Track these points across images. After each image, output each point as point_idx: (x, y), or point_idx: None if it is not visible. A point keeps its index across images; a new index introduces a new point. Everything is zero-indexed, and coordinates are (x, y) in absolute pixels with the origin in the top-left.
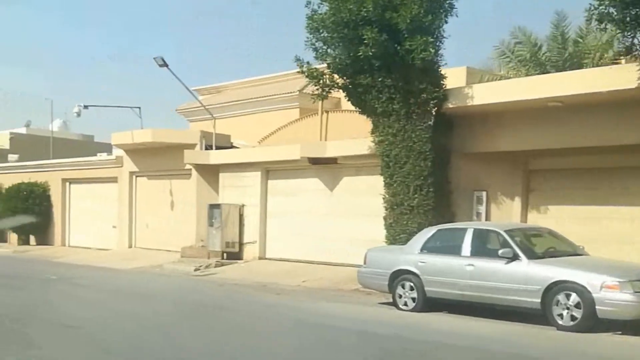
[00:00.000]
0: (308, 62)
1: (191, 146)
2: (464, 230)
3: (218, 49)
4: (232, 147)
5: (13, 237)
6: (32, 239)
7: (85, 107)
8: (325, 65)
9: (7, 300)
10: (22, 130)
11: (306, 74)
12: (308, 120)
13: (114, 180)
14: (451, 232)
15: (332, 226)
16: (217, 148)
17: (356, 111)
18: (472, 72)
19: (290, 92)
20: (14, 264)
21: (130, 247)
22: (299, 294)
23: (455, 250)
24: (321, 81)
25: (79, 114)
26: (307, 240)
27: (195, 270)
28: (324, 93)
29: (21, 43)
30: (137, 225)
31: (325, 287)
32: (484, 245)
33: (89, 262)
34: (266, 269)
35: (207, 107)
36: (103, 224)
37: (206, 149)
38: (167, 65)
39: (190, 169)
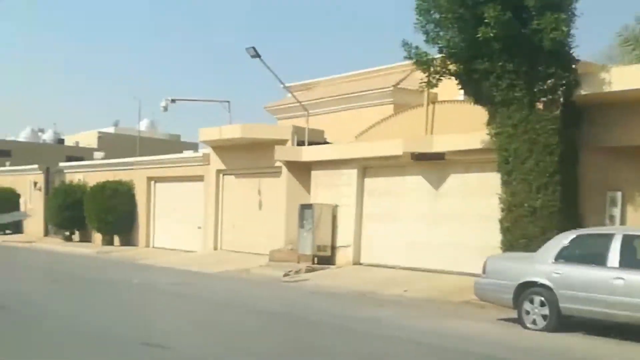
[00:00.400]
0: (417, 47)
1: (282, 142)
2: (611, 236)
3: (306, 46)
4: (325, 143)
5: (97, 237)
6: (116, 239)
7: (173, 101)
8: (435, 51)
9: (87, 311)
10: (111, 130)
11: (414, 59)
12: (406, 115)
13: (200, 178)
14: (594, 238)
15: (436, 229)
16: (310, 144)
17: (466, 101)
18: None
19: (384, 88)
20: (96, 266)
21: (215, 249)
22: (404, 306)
23: (600, 261)
24: (431, 68)
25: (165, 109)
26: (408, 244)
27: (285, 275)
28: (434, 81)
29: (111, 40)
30: (223, 226)
31: (431, 298)
32: (636, 255)
33: (173, 264)
34: (362, 276)
35: (298, 102)
36: (188, 224)
37: (298, 145)
38: (259, 56)
39: (281, 167)
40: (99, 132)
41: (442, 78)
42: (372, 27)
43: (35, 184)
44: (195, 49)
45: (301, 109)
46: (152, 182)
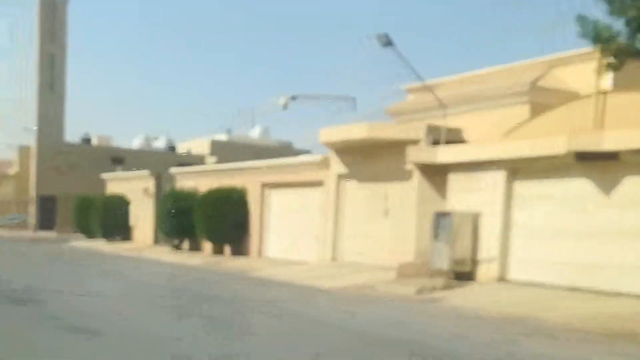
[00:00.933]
0: (597, 21)
1: (414, 142)
2: None
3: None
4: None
5: (207, 246)
6: (226, 248)
7: (294, 98)
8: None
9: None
10: (223, 137)
11: (591, 36)
12: (561, 111)
13: (318, 184)
14: None
15: (604, 243)
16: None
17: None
18: None
19: (519, 86)
20: (209, 280)
21: (333, 260)
22: (586, 341)
23: None
24: (614, 46)
25: (285, 107)
26: (567, 258)
27: (417, 293)
28: (617, 62)
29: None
30: (343, 236)
31: (613, 330)
32: None
33: (287, 277)
34: (511, 296)
35: (436, 99)
36: (303, 233)
37: (432, 145)
38: (392, 44)
39: (411, 170)
40: (212, 139)
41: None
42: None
43: (146, 190)
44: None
45: (425, 111)
46: (266, 188)
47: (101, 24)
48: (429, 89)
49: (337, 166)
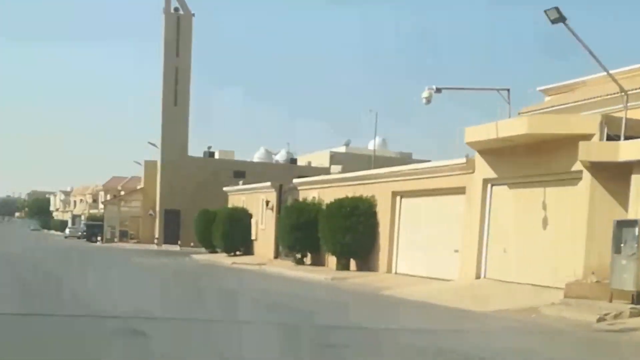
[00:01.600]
0: None
1: (583, 138)
2: None
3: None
4: None
5: (331, 260)
6: (352, 263)
7: (438, 90)
8: None
9: None
10: (342, 149)
11: None
12: None
13: (459, 191)
14: None
15: None
16: (626, 139)
17: None
18: None
19: None
20: (338, 302)
21: (477, 277)
22: None
23: None
24: None
25: (428, 100)
26: None
27: (599, 321)
28: None
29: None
30: (490, 250)
31: None
32: None
33: (426, 298)
34: None
35: (560, 107)
36: (441, 247)
37: (608, 140)
38: (564, 20)
39: (580, 171)
40: (331, 152)
41: None
42: None
43: (267, 202)
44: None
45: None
46: (398, 197)
47: (223, 38)
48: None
49: (484, 169)
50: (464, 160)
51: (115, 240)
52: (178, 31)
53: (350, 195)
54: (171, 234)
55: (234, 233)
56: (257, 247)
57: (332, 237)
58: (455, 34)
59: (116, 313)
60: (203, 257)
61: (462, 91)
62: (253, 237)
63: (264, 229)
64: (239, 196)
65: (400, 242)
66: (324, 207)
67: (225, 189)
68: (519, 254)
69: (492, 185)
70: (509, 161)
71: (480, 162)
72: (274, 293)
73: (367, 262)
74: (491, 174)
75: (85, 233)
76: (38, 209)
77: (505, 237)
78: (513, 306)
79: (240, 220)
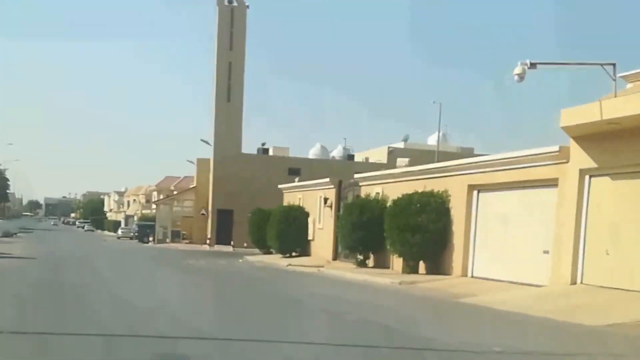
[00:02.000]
0: None
1: None
2: None
3: None
4: None
5: (397, 262)
6: (420, 266)
7: (532, 65)
8: None
9: None
10: (400, 145)
11: None
12: None
13: (549, 183)
14: None
15: None
16: None
17: None
18: None
19: None
20: (419, 309)
21: (573, 283)
22: None
23: None
24: None
25: (521, 77)
26: None
27: None
28: None
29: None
30: (588, 250)
31: None
32: None
33: (515, 307)
34: None
35: None
36: (527, 247)
37: None
38: None
39: None
40: (389, 147)
41: None
42: None
43: (326, 200)
44: None
45: None
46: (475, 192)
47: (277, 30)
48: None
49: (581, 158)
50: (556, 148)
51: (167, 240)
52: (232, 24)
53: (418, 190)
54: (224, 234)
55: (289, 233)
56: (314, 247)
57: (400, 237)
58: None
59: (163, 331)
60: (257, 258)
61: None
62: (310, 237)
63: (321, 228)
64: (294, 194)
65: (478, 242)
66: (389, 203)
67: (280, 186)
68: (624, 256)
69: (591, 177)
70: (613, 148)
71: (576, 150)
72: (343, 301)
73: (437, 264)
74: (590, 163)
75: (137, 234)
76: (92, 209)
77: (607, 236)
78: (631, 318)
79: (296, 220)
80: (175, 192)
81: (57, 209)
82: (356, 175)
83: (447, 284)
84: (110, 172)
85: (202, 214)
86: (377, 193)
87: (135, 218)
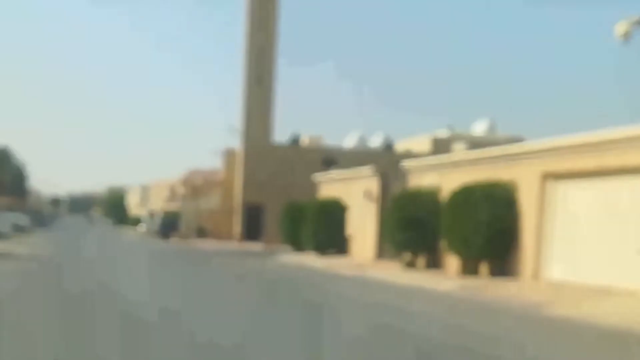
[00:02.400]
0: None
1: None
2: None
3: None
4: None
5: (451, 263)
6: (482, 267)
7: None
8: None
9: None
10: (444, 134)
11: None
12: None
13: None
14: None
15: None
16: None
17: None
18: None
19: None
20: (496, 326)
21: None
22: None
23: None
24: None
25: (627, 36)
26: None
27: None
28: None
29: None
30: None
31: None
32: None
33: (625, 321)
34: None
35: None
36: (616, 245)
37: None
38: None
39: None
40: (433, 137)
41: None
42: None
43: (368, 192)
44: None
45: None
46: (551, 180)
47: (310, 10)
48: None
49: None
50: None
51: (192, 237)
52: (263, 4)
53: (481, 179)
54: (252, 231)
55: (325, 230)
56: (353, 245)
57: (459, 234)
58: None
59: None
60: (290, 258)
61: None
62: (348, 234)
63: (362, 224)
64: (331, 186)
65: (553, 240)
66: (446, 195)
67: (315, 177)
68: None
69: None
70: None
71: None
72: (408, 315)
73: (502, 265)
74: None
75: (160, 230)
76: (115, 204)
77: None
78: None
79: (333, 215)
80: (200, 186)
81: (80, 204)
82: (405, 163)
83: (518, 290)
84: (133, 165)
85: (229, 209)
86: (430, 184)
87: (158, 213)
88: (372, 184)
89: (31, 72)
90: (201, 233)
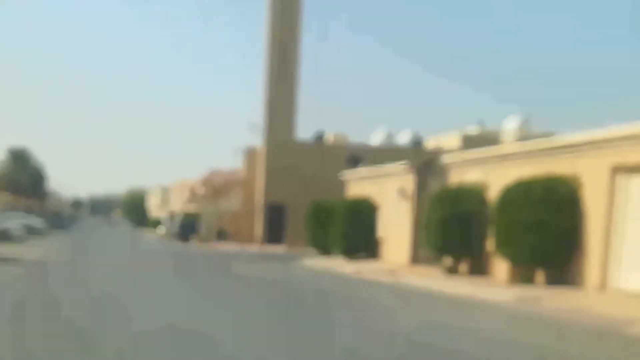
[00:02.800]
0: None
1: None
2: None
3: None
4: None
5: (500, 268)
6: (538, 274)
7: None
8: None
9: None
10: (474, 131)
11: None
12: None
13: None
14: None
15: None
16: None
17: None
18: None
19: None
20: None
21: None
22: None
23: None
24: None
25: None
26: None
27: None
28: None
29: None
30: None
31: None
32: None
33: None
34: None
35: None
36: None
37: None
38: None
39: None
40: (463, 134)
41: None
42: None
43: (402, 190)
44: None
45: None
46: (621, 174)
47: (333, 9)
48: None
49: None
50: None
51: (212, 239)
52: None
53: (537, 173)
54: (275, 233)
55: (355, 231)
56: (386, 249)
57: (512, 236)
58: None
59: None
60: (316, 262)
61: None
62: (380, 236)
63: (395, 225)
64: (360, 184)
65: (626, 244)
66: (494, 192)
67: (343, 174)
68: None
69: None
70: None
71: None
72: (477, 339)
73: (562, 272)
74: None
75: (179, 232)
76: (135, 206)
77: None
78: None
79: (363, 215)
80: (220, 186)
81: (101, 206)
82: (445, 157)
83: (586, 301)
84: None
85: (250, 210)
86: (475, 180)
87: (178, 215)
88: (407, 181)
89: (53, 73)
90: (221, 235)
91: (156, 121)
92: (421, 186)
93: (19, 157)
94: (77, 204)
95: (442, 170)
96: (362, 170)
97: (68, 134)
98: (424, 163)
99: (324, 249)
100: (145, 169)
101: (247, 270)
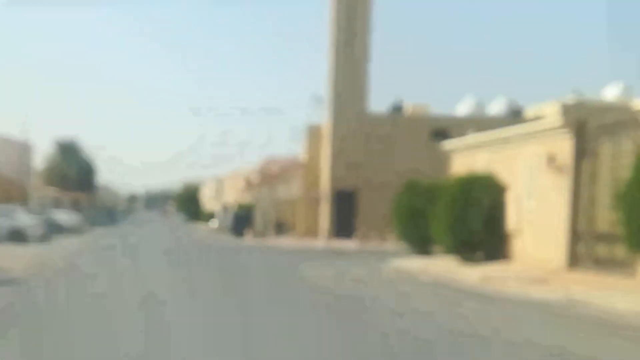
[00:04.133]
0: None
1: None
2: None
3: None
4: None
5: None
6: None
7: None
8: None
9: None
10: (571, 100)
11: None
12: None
13: None
14: None
15: None
16: None
17: None
18: None
19: None
20: None
21: None
22: None
23: None
24: None
25: None
26: None
27: None
28: None
29: None
30: None
31: None
32: None
33: None
34: None
35: None
36: None
37: None
38: None
39: None
40: (562, 103)
41: None
42: None
43: (552, 159)
44: None
45: None
46: None
47: None
48: None
49: None
50: None
51: (269, 234)
52: None
53: None
54: (343, 225)
55: (471, 221)
56: (519, 245)
57: None
58: None
59: None
60: (413, 264)
61: None
62: (510, 228)
63: (535, 210)
64: (473, 155)
65: None
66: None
67: (445, 144)
68: None
69: None
70: None
71: None
72: None
73: None
74: None
75: (232, 225)
76: (188, 199)
77: None
78: None
79: (483, 198)
80: (278, 173)
81: (156, 199)
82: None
83: None
84: (206, 158)
85: (313, 197)
86: None
87: (232, 207)
88: (559, 146)
89: (110, 73)
90: (280, 228)
91: (213, 111)
92: (582, 152)
93: (68, 150)
94: (132, 198)
95: (623, 126)
96: (477, 137)
97: (131, 130)
98: (586, 120)
99: (421, 246)
100: (202, 163)
101: (322, 279)
